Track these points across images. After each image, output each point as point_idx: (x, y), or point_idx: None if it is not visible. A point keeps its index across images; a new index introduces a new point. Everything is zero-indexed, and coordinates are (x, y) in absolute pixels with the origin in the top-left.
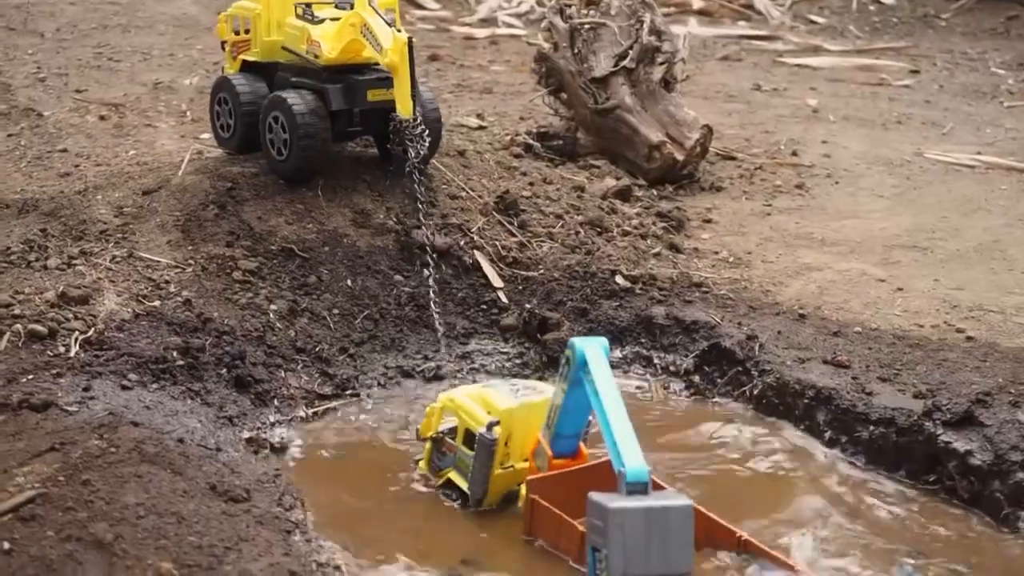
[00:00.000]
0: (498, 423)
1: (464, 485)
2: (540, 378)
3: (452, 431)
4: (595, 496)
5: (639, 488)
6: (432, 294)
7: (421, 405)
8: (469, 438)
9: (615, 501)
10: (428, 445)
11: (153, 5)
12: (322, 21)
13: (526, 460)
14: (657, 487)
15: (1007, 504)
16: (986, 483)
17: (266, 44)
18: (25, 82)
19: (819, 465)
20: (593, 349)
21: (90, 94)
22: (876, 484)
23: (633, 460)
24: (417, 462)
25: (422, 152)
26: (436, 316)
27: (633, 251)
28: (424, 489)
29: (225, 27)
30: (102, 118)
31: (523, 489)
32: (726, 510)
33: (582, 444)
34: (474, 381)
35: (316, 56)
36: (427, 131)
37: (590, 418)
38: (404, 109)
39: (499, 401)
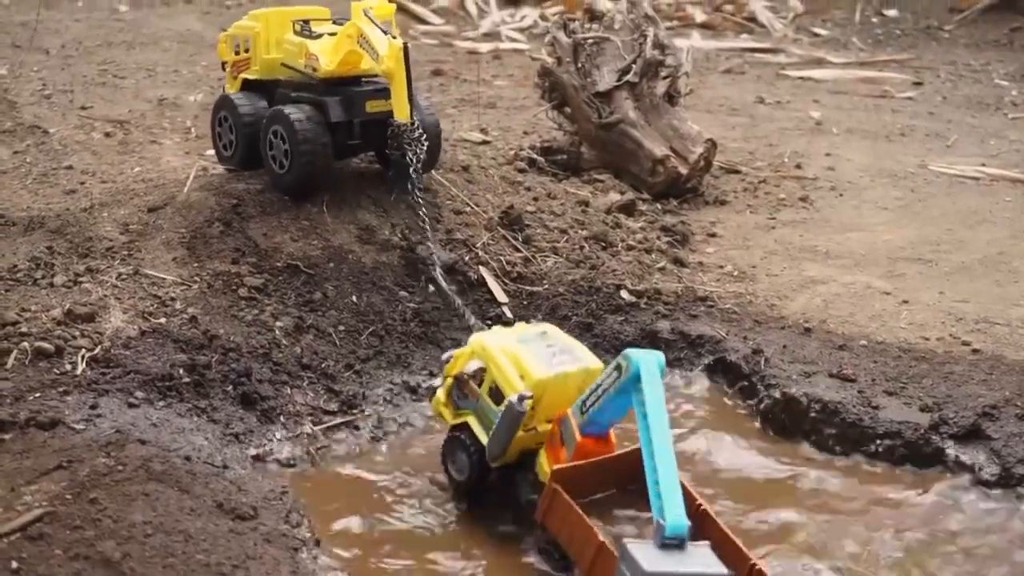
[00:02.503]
0: (530, 397)
1: (482, 436)
2: None
3: (478, 373)
4: (630, 547)
5: (676, 542)
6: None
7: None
8: (496, 392)
9: (650, 560)
10: (449, 381)
11: (157, 22)
12: (320, 36)
13: (549, 422)
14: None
15: None
16: None
17: (266, 62)
18: (31, 99)
19: (824, 478)
20: (649, 366)
21: (95, 111)
22: (880, 493)
23: (674, 512)
24: (432, 392)
25: (421, 156)
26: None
27: (638, 265)
28: (432, 513)
29: (225, 47)
30: (107, 135)
31: (542, 457)
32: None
33: (611, 431)
34: None
35: (314, 70)
36: (424, 135)
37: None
38: (402, 114)
39: (534, 368)
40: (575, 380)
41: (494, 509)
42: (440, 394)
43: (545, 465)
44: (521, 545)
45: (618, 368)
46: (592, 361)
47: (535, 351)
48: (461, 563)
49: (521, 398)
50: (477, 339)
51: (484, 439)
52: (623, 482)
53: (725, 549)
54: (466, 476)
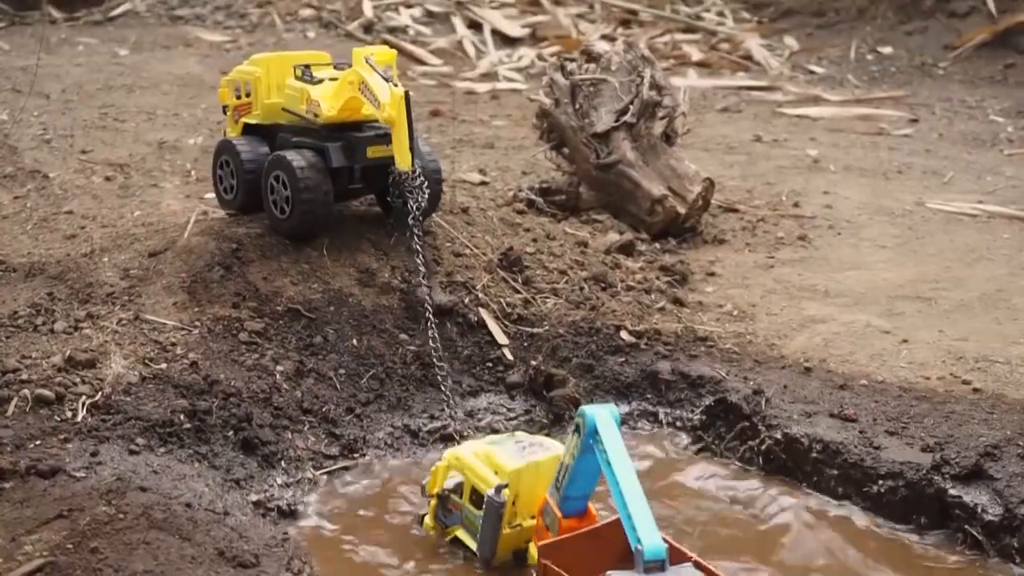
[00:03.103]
0: (506, 486)
1: (472, 544)
2: (547, 434)
3: (458, 487)
4: None
5: (657, 565)
6: (436, 352)
7: (428, 463)
8: (476, 497)
9: None
10: (433, 502)
11: (157, 65)
12: (321, 81)
13: (533, 517)
14: (678, 556)
15: (1020, 557)
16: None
17: (267, 106)
18: (31, 144)
19: (827, 519)
20: (603, 416)
21: (96, 155)
22: (884, 537)
23: (650, 537)
24: (421, 518)
25: (422, 204)
26: (442, 376)
27: (637, 306)
28: (433, 551)
29: (227, 92)
30: (107, 179)
31: (532, 549)
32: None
33: (590, 504)
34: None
35: (316, 115)
36: (426, 183)
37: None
38: (403, 161)
39: (506, 461)
40: (547, 467)
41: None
42: (427, 519)
43: (534, 553)
44: None
45: (576, 429)
46: (561, 448)
47: (506, 448)
48: None
49: (498, 489)
50: (450, 452)
51: (474, 546)
52: (615, 556)
53: None
54: None
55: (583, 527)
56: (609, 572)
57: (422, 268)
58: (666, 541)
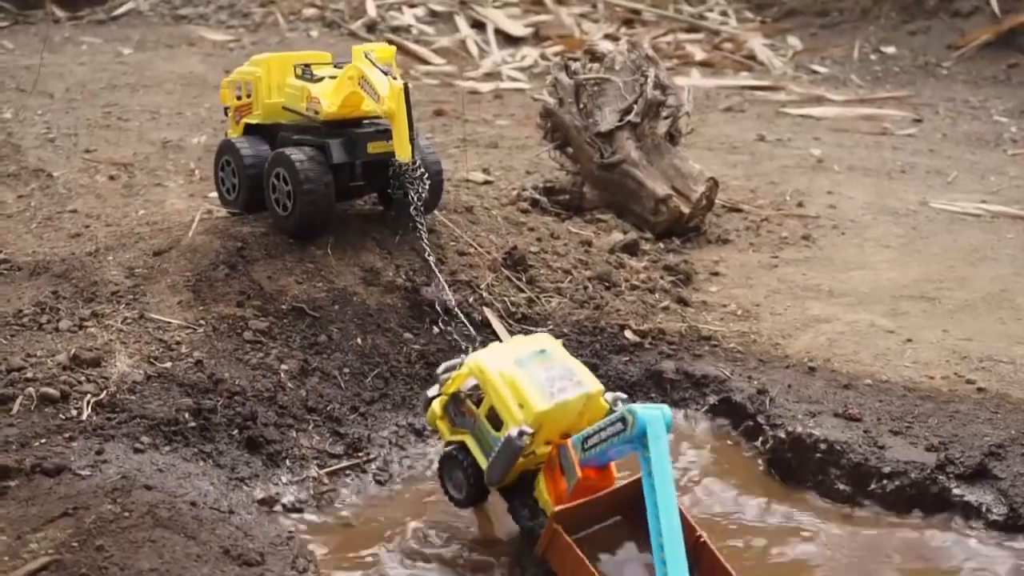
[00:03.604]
0: (531, 433)
1: (480, 458)
2: None
3: (475, 392)
4: None
5: None
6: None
7: (433, 459)
8: (495, 419)
9: None
10: (444, 397)
11: (161, 64)
12: (321, 79)
13: (548, 444)
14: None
15: None
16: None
17: (268, 106)
18: (35, 143)
19: (832, 519)
20: (655, 423)
21: (99, 154)
22: (887, 535)
23: None
24: (428, 402)
25: (423, 195)
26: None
27: (641, 305)
28: (438, 550)
29: (228, 93)
30: (111, 178)
31: (542, 483)
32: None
33: (612, 463)
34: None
35: (316, 112)
36: (426, 174)
37: None
38: (403, 153)
39: (534, 398)
40: (575, 407)
41: (498, 555)
42: (436, 407)
43: (544, 492)
44: None
45: (623, 422)
46: (592, 384)
47: (533, 377)
48: None
49: (521, 433)
50: (475, 360)
51: (482, 461)
52: (625, 510)
53: None
54: (464, 495)
55: (600, 481)
56: None
57: (428, 252)
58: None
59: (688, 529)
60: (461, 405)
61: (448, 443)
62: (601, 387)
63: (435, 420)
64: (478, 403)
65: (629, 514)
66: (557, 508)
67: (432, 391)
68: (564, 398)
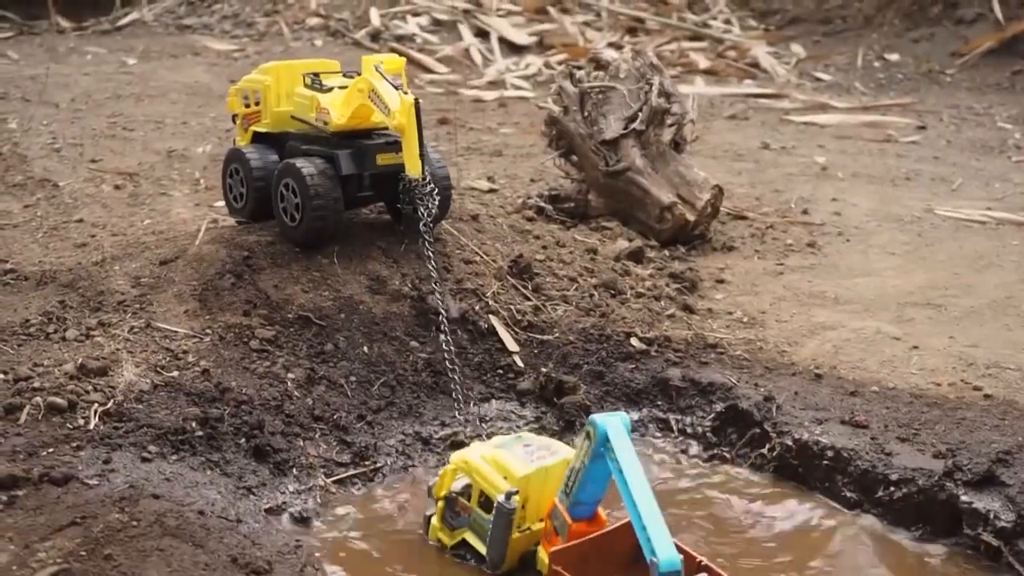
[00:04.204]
0: (516, 493)
1: (481, 547)
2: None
3: (465, 490)
4: None
5: None
6: (449, 362)
7: (439, 469)
8: (485, 501)
9: None
10: (440, 504)
11: (166, 74)
12: (330, 89)
13: (541, 520)
14: (687, 560)
15: None
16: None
17: (276, 115)
18: (41, 153)
19: (839, 526)
20: (615, 426)
21: (105, 164)
22: (894, 544)
23: (664, 549)
24: (428, 520)
25: (432, 211)
26: (455, 380)
27: (647, 313)
28: (444, 559)
29: (236, 100)
30: (117, 187)
31: (541, 552)
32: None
33: (599, 508)
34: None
35: (325, 123)
36: (436, 190)
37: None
38: (414, 168)
39: (516, 467)
40: (556, 472)
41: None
42: (435, 521)
43: (544, 557)
44: None
45: (587, 436)
46: (569, 452)
47: (514, 452)
48: None
49: (508, 495)
50: (458, 456)
51: (483, 550)
52: (625, 561)
53: None
54: None
55: (592, 531)
56: None
57: (434, 275)
58: (676, 546)
59: (688, 557)
60: (455, 505)
61: (452, 549)
62: None
63: (436, 533)
64: (469, 499)
65: (629, 563)
66: (552, 549)
67: (430, 510)
68: (544, 463)
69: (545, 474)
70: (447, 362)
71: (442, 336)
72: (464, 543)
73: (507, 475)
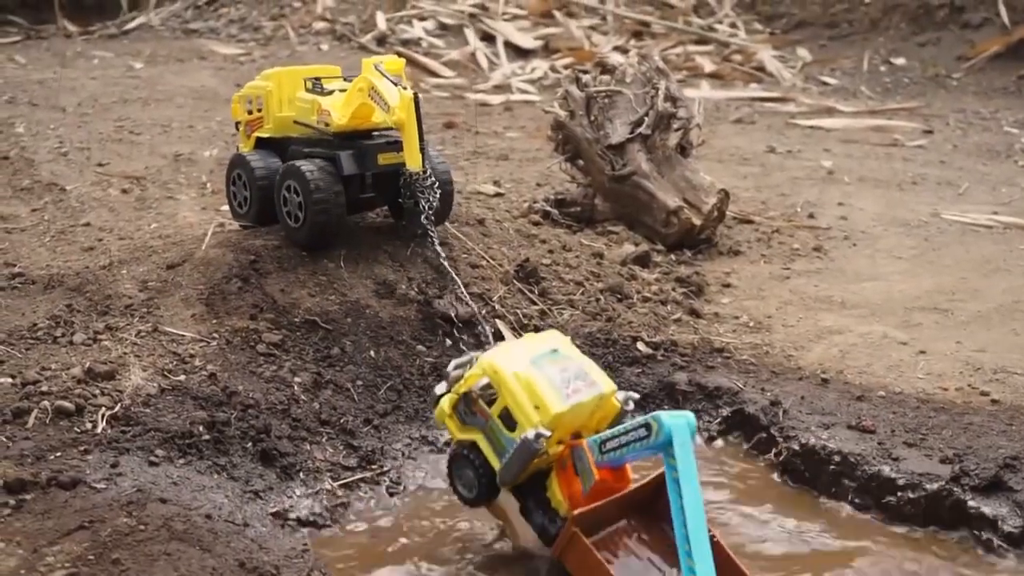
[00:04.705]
0: (548, 436)
1: (492, 458)
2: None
3: (487, 391)
4: None
5: None
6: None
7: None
8: (509, 419)
9: None
10: (455, 397)
11: (172, 78)
12: (331, 93)
13: (561, 443)
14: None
15: None
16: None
17: (278, 120)
18: (48, 156)
19: (848, 532)
20: (681, 430)
21: (112, 167)
22: (903, 548)
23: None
24: (437, 399)
25: (434, 204)
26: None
27: (654, 317)
28: (452, 563)
29: (239, 108)
30: (124, 191)
31: (555, 485)
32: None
33: (627, 466)
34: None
35: (327, 124)
36: (437, 183)
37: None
38: (414, 163)
39: (550, 399)
40: (588, 407)
41: (512, 564)
42: (445, 405)
43: (557, 492)
44: None
45: (647, 428)
46: (605, 384)
47: (549, 377)
48: None
49: (538, 436)
50: (488, 361)
51: (494, 460)
52: (641, 510)
53: None
54: (475, 494)
55: (616, 482)
56: None
57: (441, 256)
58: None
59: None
60: (473, 404)
61: (458, 442)
62: (614, 386)
63: (444, 418)
64: (490, 403)
65: (642, 513)
66: (577, 512)
67: (440, 388)
68: (579, 400)
69: (579, 409)
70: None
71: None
72: (472, 444)
73: (540, 406)
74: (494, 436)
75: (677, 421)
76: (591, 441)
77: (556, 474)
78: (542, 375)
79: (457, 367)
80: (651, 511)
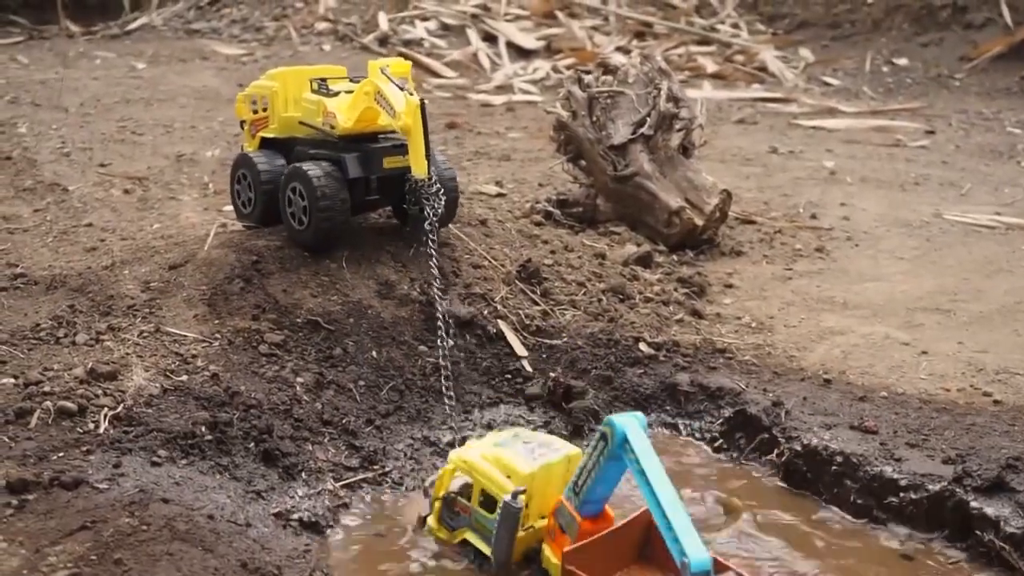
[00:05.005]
0: (524, 492)
1: (484, 547)
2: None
3: (464, 489)
4: None
5: None
6: (446, 369)
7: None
8: (486, 500)
9: None
10: (438, 505)
11: (174, 78)
12: (337, 94)
13: (543, 517)
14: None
15: None
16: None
17: (284, 120)
18: (50, 157)
19: (849, 532)
20: (633, 426)
21: (114, 168)
22: (904, 550)
23: (695, 550)
24: (424, 520)
25: (439, 211)
26: (448, 390)
27: (656, 318)
28: (452, 564)
29: (244, 107)
30: (126, 192)
31: (547, 551)
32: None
33: (607, 506)
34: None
35: (332, 127)
36: (442, 190)
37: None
38: (419, 169)
39: (519, 465)
40: (559, 469)
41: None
42: (431, 521)
43: (551, 557)
44: None
45: (603, 437)
46: (570, 448)
47: (515, 450)
48: None
49: (515, 494)
50: (456, 455)
51: (485, 549)
52: (635, 552)
53: None
54: None
55: (600, 528)
56: None
57: (435, 273)
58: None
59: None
60: (454, 505)
61: (457, 546)
62: (579, 450)
63: (436, 533)
64: (469, 499)
65: (639, 553)
66: (565, 550)
67: (425, 510)
68: (547, 460)
69: (548, 471)
70: (442, 369)
71: (440, 338)
72: (465, 542)
73: (511, 474)
74: (480, 525)
75: (626, 419)
76: (565, 491)
77: (547, 544)
78: (508, 450)
79: (432, 483)
80: (649, 546)
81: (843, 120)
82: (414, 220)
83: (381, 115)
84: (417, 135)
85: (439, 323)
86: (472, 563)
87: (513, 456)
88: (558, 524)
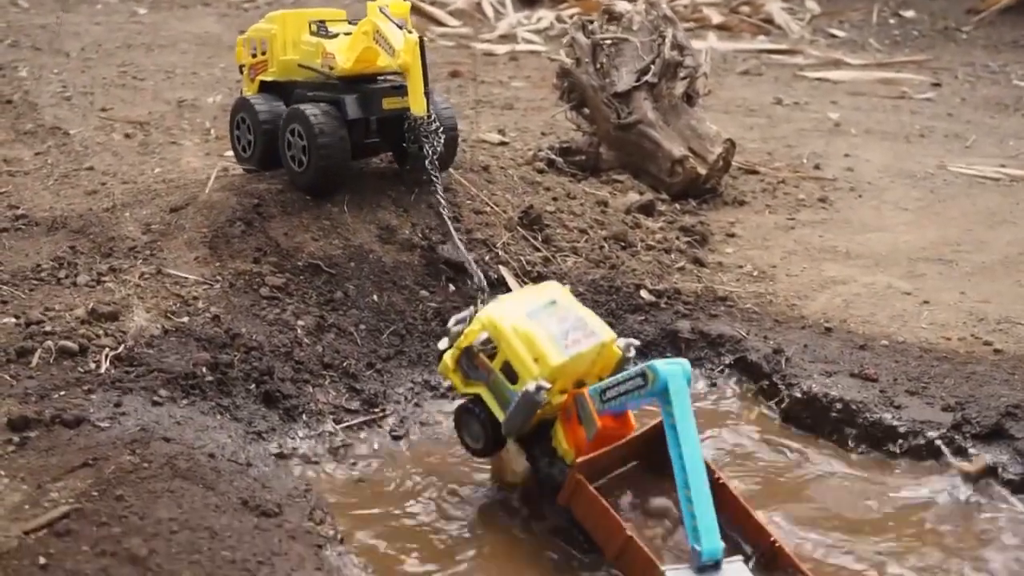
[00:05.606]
0: (548, 387)
1: (496, 410)
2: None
3: (487, 345)
4: (669, 574)
5: (712, 565)
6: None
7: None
8: (510, 372)
9: None
10: (456, 352)
11: (176, 24)
12: (336, 36)
13: (564, 392)
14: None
15: None
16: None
17: (282, 63)
18: (51, 101)
19: (846, 474)
20: (676, 379)
21: (115, 112)
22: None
23: (709, 540)
24: (440, 355)
25: (438, 149)
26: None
27: (657, 265)
28: (455, 510)
29: (243, 51)
30: (127, 136)
31: (560, 433)
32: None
33: (629, 412)
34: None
35: (331, 68)
36: (441, 127)
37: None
38: (418, 107)
39: (549, 352)
40: (589, 357)
41: (513, 507)
42: (448, 360)
43: (563, 440)
44: (542, 537)
45: (643, 377)
46: (604, 333)
47: (548, 329)
48: (482, 561)
49: (539, 388)
50: (487, 315)
51: (498, 413)
52: (644, 455)
53: (745, 525)
54: (481, 445)
55: (617, 428)
56: (664, 568)
57: (443, 206)
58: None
59: (761, 533)
60: (474, 359)
61: (463, 395)
62: (613, 335)
63: (448, 373)
64: (491, 357)
65: (645, 458)
66: (579, 459)
67: (443, 344)
68: (579, 350)
69: (579, 359)
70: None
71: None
72: (477, 397)
73: (539, 358)
74: (497, 389)
75: (672, 368)
76: (592, 390)
77: (561, 423)
78: (540, 327)
79: (457, 323)
80: (656, 456)
81: (849, 72)
82: (414, 159)
83: (380, 56)
84: (416, 73)
85: (451, 254)
86: (479, 415)
87: (545, 339)
88: (576, 411)
